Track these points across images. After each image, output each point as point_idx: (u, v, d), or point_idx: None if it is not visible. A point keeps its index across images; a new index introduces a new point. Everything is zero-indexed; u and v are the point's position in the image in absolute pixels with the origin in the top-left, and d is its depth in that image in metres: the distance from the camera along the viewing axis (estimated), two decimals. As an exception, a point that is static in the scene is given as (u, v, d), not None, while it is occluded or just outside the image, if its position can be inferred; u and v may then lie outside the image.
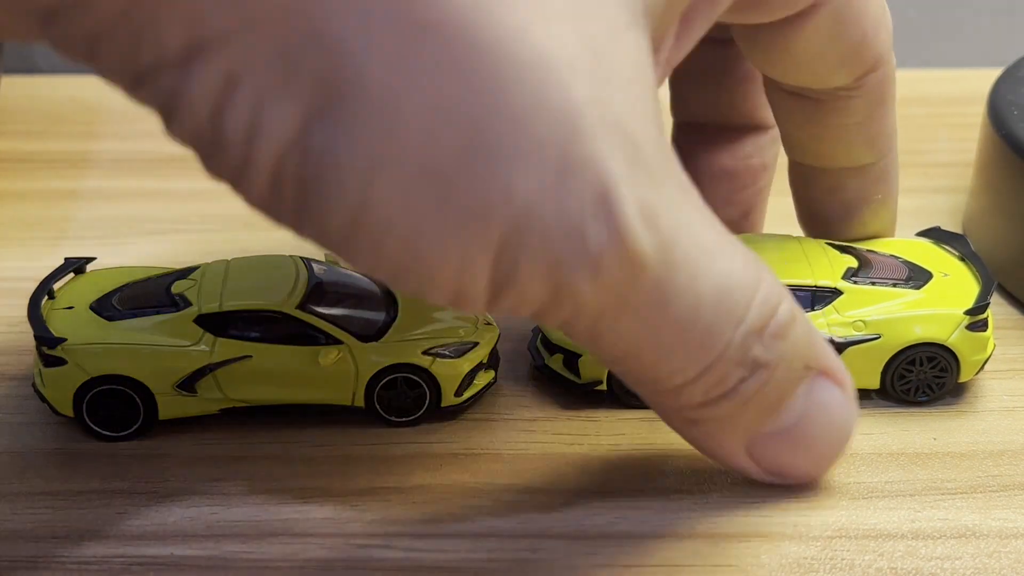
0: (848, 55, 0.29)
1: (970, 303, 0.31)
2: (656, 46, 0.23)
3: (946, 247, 0.34)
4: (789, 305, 0.25)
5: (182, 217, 0.42)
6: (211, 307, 0.30)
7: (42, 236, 0.40)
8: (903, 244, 0.34)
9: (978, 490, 0.29)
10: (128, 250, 0.39)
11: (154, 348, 0.30)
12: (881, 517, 0.28)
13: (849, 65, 0.30)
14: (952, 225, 0.41)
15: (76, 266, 0.33)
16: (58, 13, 0.19)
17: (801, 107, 0.31)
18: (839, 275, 0.31)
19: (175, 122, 0.20)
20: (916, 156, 0.45)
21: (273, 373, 0.30)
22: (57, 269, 0.33)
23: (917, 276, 0.32)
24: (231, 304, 0.30)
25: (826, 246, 0.33)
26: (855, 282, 0.31)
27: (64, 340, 0.30)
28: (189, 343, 0.30)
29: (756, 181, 0.35)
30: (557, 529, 0.28)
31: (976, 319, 0.31)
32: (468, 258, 0.20)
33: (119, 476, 0.29)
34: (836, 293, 0.31)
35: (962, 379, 0.31)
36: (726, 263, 0.23)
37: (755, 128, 0.34)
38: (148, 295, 0.31)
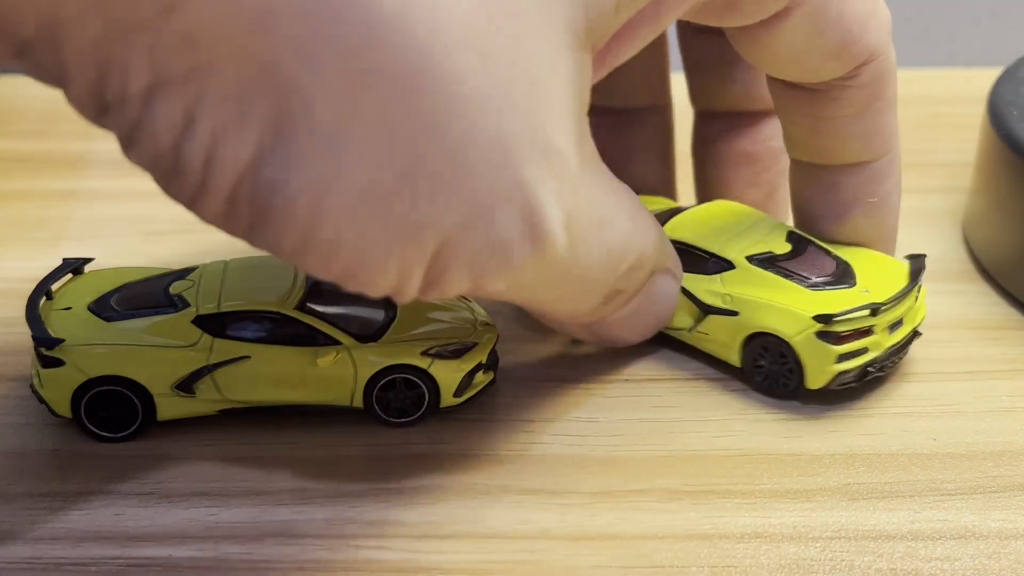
0: (834, 52, 0.29)
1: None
2: (594, 51, 0.24)
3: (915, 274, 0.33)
4: (651, 252, 0.28)
5: (180, 217, 0.41)
6: (209, 308, 0.30)
7: (40, 236, 0.40)
8: (878, 258, 0.33)
9: (978, 491, 0.29)
10: (126, 250, 0.39)
11: (152, 349, 0.30)
12: (881, 518, 0.28)
13: (838, 60, 0.30)
14: (952, 225, 0.41)
15: (74, 266, 0.33)
16: (32, 46, 0.20)
17: (797, 98, 0.31)
18: (746, 254, 0.32)
19: (135, 149, 0.22)
20: (915, 156, 0.45)
21: (271, 374, 0.30)
22: (55, 270, 0.32)
23: (834, 283, 0.32)
24: (229, 305, 0.30)
25: (782, 229, 0.33)
26: (757, 264, 0.32)
27: (62, 341, 0.30)
28: (187, 344, 0.30)
29: (777, 162, 0.36)
30: (556, 530, 0.28)
31: (827, 329, 0.30)
32: (406, 268, 0.22)
33: (117, 477, 0.29)
34: (729, 266, 0.32)
35: (809, 385, 0.31)
36: (616, 234, 0.27)
37: (772, 112, 0.35)
38: (146, 296, 0.31)
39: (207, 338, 0.30)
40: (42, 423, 0.31)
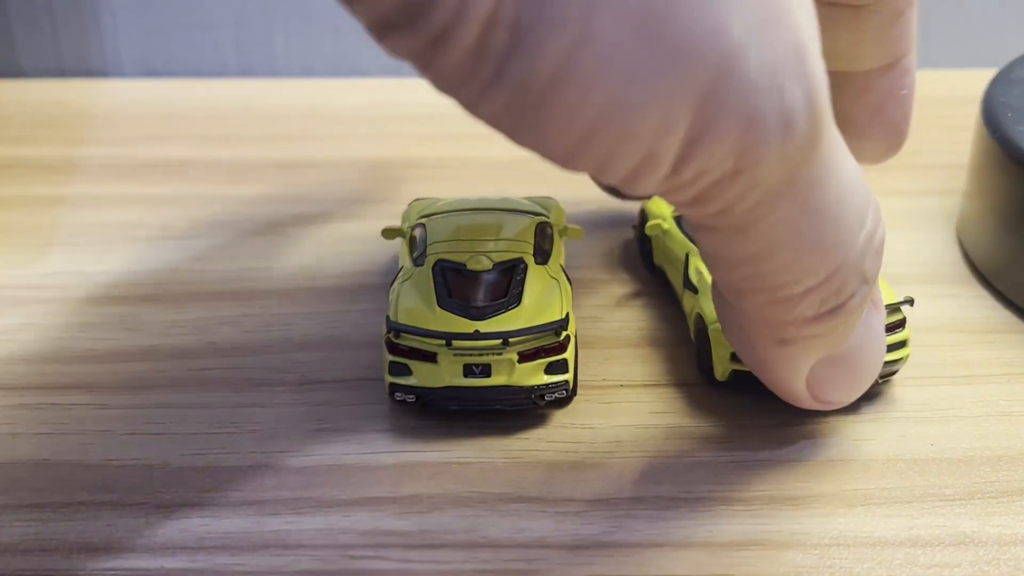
0: None
1: None
2: None
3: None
4: (877, 225, 0.25)
5: (170, 223, 0.41)
6: None
7: (28, 243, 0.40)
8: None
9: (976, 496, 0.29)
10: (115, 257, 0.39)
11: None
12: (879, 524, 0.28)
13: None
14: (946, 228, 0.40)
15: None
16: None
17: (841, 16, 0.31)
18: None
19: None
20: (909, 158, 0.45)
21: None
22: None
23: None
24: None
25: None
26: None
27: None
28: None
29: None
30: (552, 539, 0.27)
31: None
32: (671, 106, 0.20)
33: (108, 488, 0.29)
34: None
35: (715, 375, 0.31)
36: (852, 161, 0.24)
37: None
38: None
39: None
40: (31, 433, 0.31)
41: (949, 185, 0.42)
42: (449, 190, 0.42)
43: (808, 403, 0.28)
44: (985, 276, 0.37)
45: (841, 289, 0.24)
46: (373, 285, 0.37)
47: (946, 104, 0.48)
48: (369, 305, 0.36)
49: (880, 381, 0.31)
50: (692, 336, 0.33)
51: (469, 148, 0.47)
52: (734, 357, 0.31)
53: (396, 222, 0.36)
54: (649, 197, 0.38)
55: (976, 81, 0.41)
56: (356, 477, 0.29)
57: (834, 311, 0.25)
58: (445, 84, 0.20)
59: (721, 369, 0.31)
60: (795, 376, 0.27)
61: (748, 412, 0.31)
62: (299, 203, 0.43)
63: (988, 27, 0.54)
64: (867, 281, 0.25)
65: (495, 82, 0.20)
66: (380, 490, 0.29)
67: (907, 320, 0.31)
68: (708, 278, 0.33)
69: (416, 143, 0.47)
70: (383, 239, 0.35)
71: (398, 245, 0.39)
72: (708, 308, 0.32)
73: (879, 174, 0.44)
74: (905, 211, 0.42)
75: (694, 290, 0.33)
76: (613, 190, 0.38)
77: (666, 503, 0.28)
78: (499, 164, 0.46)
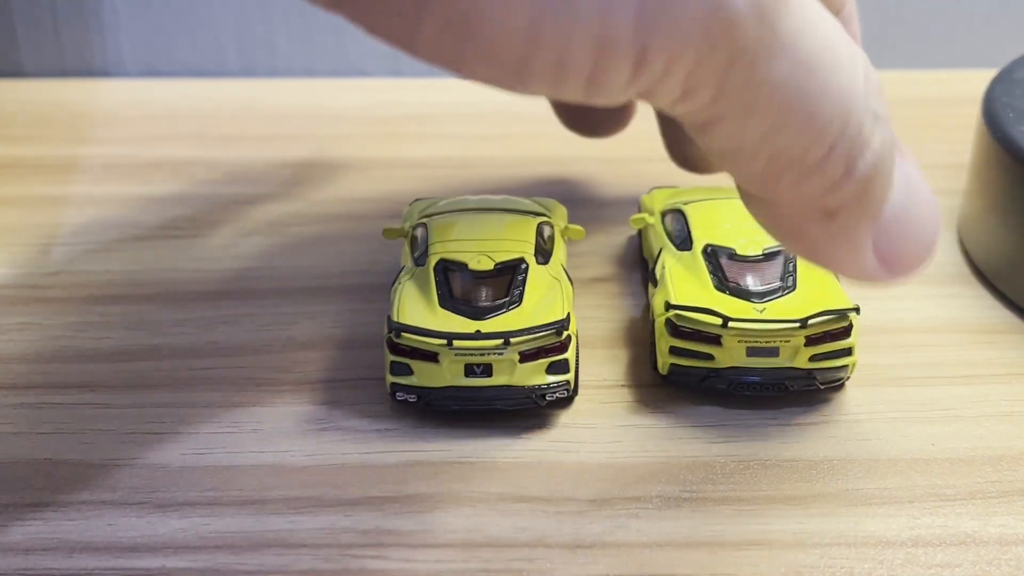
0: None
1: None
2: None
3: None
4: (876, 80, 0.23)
5: (171, 223, 0.41)
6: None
7: (29, 242, 0.40)
8: (827, 295, 0.32)
9: (977, 496, 0.29)
10: (117, 256, 0.39)
11: None
12: (880, 524, 0.28)
13: None
14: (946, 228, 0.40)
15: None
16: None
17: None
18: (706, 242, 0.33)
19: None
20: (909, 158, 0.45)
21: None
22: None
23: (746, 293, 0.32)
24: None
25: None
26: (703, 254, 0.33)
27: None
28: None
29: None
30: (554, 538, 0.27)
31: (671, 318, 0.31)
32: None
33: (109, 487, 0.29)
34: (688, 248, 0.34)
35: (658, 367, 0.32)
36: (824, 9, 0.23)
37: None
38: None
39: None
40: (32, 432, 0.31)
41: (949, 185, 0.42)
42: (450, 190, 0.43)
43: (882, 275, 0.26)
44: (986, 276, 0.37)
45: (860, 132, 0.23)
46: (374, 285, 0.37)
47: (946, 104, 0.48)
48: (370, 305, 0.36)
49: (822, 387, 0.31)
50: (648, 327, 0.33)
51: (470, 148, 0.47)
52: (674, 351, 0.31)
53: (397, 222, 0.36)
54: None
55: (976, 81, 0.41)
56: (357, 476, 0.29)
57: (864, 157, 0.23)
58: (377, 24, 0.19)
59: (662, 362, 0.31)
60: (857, 248, 0.25)
61: (747, 412, 0.31)
62: (300, 203, 0.43)
63: (988, 27, 0.54)
64: (879, 118, 0.23)
65: (424, 4, 0.19)
66: (382, 489, 0.29)
67: (854, 328, 0.31)
68: (670, 272, 0.33)
69: (417, 143, 0.47)
70: (384, 239, 0.35)
71: (399, 245, 0.39)
72: (658, 301, 0.32)
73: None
74: (906, 211, 0.42)
75: (656, 283, 0.33)
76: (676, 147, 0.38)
77: (668, 503, 0.28)
78: (500, 164, 0.46)
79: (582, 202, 0.42)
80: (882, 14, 0.53)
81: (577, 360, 0.31)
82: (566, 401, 0.31)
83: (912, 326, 0.35)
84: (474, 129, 0.49)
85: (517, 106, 0.50)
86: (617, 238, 0.40)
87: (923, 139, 0.46)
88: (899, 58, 0.54)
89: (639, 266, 0.38)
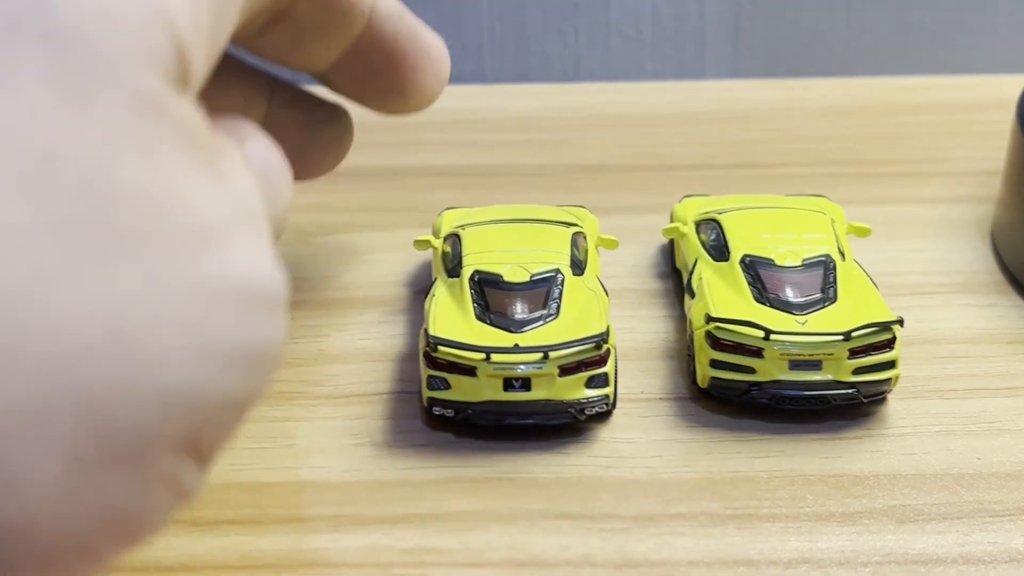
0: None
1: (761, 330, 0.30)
2: None
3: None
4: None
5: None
6: None
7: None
8: (869, 306, 0.32)
9: (1026, 512, 0.28)
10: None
11: None
12: (930, 541, 0.27)
13: None
14: (980, 236, 0.40)
15: None
16: None
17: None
18: (744, 253, 0.33)
19: None
20: (941, 165, 0.45)
21: None
22: None
23: (787, 305, 0.31)
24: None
25: (824, 246, 0.33)
26: (742, 265, 0.33)
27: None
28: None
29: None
30: (599, 557, 0.27)
31: (711, 331, 0.31)
32: None
33: (145, 504, 0.28)
34: (724, 258, 0.33)
35: (698, 380, 0.31)
36: None
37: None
38: None
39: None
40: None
41: (982, 192, 0.42)
42: (476, 199, 0.42)
43: None
44: (1022, 284, 0.37)
45: None
46: (403, 296, 0.37)
47: (978, 109, 0.48)
48: (400, 316, 0.36)
49: (865, 401, 0.31)
50: (686, 339, 0.33)
51: (494, 156, 0.47)
52: (715, 364, 0.31)
53: (424, 231, 0.36)
54: None
55: (1009, 86, 0.40)
56: (396, 493, 0.29)
57: None
58: None
59: (702, 375, 0.31)
60: None
61: (788, 425, 0.31)
62: (324, 212, 0.42)
63: (1020, 32, 0.54)
64: None
65: None
66: (421, 507, 0.28)
67: (897, 340, 0.31)
68: (708, 284, 0.32)
69: (440, 150, 0.47)
70: (410, 248, 0.35)
71: (426, 254, 0.39)
72: (697, 313, 0.32)
73: (909, 181, 0.43)
74: (938, 219, 0.41)
75: (692, 294, 0.33)
76: None
77: (713, 520, 0.28)
78: (525, 171, 0.45)
79: (609, 210, 0.41)
80: (912, 19, 0.52)
81: (616, 373, 0.31)
82: (604, 415, 0.31)
83: (949, 336, 0.35)
84: (497, 136, 0.48)
85: (540, 113, 0.50)
86: (647, 247, 0.40)
87: (955, 146, 0.46)
88: (928, 63, 0.53)
89: (671, 276, 0.38)
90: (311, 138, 0.35)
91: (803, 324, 0.30)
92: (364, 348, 0.34)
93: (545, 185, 0.44)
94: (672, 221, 0.37)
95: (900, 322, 0.30)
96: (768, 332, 0.30)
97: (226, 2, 0.21)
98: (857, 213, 0.37)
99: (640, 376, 0.33)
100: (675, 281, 0.37)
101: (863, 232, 0.36)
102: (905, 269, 0.38)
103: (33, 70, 0.16)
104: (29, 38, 0.17)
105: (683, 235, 0.36)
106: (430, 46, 0.34)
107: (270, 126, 0.30)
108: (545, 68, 0.54)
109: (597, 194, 0.43)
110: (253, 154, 0.23)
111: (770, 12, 0.53)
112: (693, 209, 0.37)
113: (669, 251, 0.39)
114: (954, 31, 0.53)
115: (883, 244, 0.38)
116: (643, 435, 0.31)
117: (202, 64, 0.20)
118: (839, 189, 0.42)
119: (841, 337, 0.30)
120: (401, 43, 0.33)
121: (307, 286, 0.38)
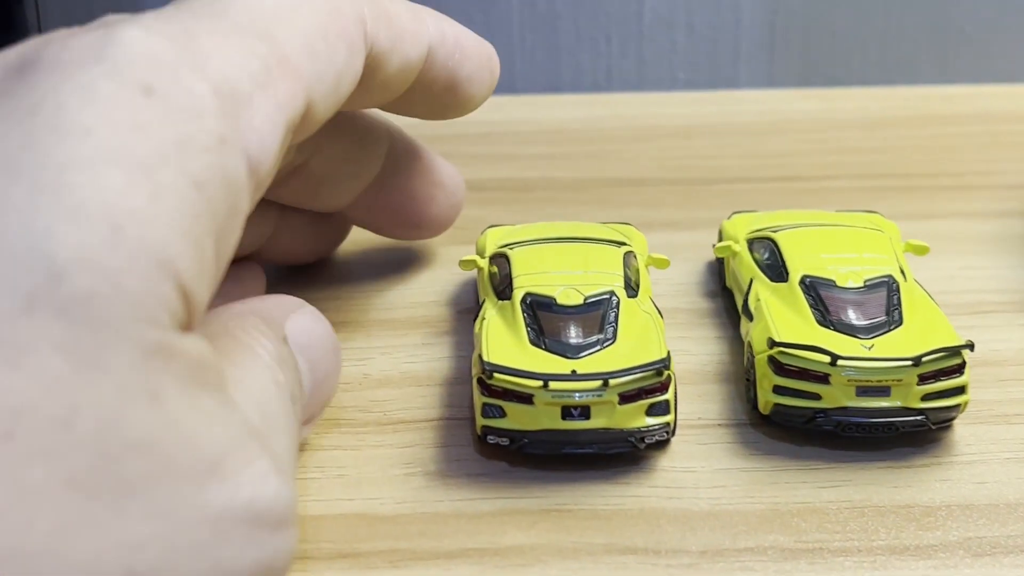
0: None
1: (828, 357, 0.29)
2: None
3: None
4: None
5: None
6: None
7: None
8: (936, 329, 0.31)
9: (1107, 544, 0.27)
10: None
11: None
12: (1009, 575, 0.26)
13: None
14: (1031, 252, 0.39)
15: None
16: None
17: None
18: (804, 274, 0.32)
19: None
20: (983, 178, 0.44)
21: None
22: None
23: (852, 329, 0.30)
24: None
25: (885, 266, 0.32)
26: (802, 286, 0.31)
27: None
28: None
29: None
30: (668, 594, 0.26)
31: (774, 355, 0.30)
32: None
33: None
34: (783, 279, 0.32)
35: (760, 407, 0.30)
36: None
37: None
38: None
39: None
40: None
41: (1022, 206, 0.41)
42: (513, 214, 0.41)
43: None
44: (1081, 303, 0.36)
45: None
46: (446, 316, 0.36)
47: (1016, 120, 0.47)
48: (444, 338, 0.35)
49: (934, 428, 0.30)
50: (744, 364, 0.32)
51: (530, 169, 0.46)
52: (778, 390, 0.30)
53: (461, 247, 0.35)
54: None
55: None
56: (452, 526, 0.28)
57: None
58: None
59: (764, 401, 0.30)
60: None
61: (851, 452, 0.30)
62: (357, 229, 0.41)
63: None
64: None
65: None
66: (479, 540, 0.27)
67: (967, 365, 0.30)
68: (767, 306, 0.31)
69: (472, 164, 0.46)
70: (450, 265, 0.34)
71: (467, 273, 0.38)
72: (757, 336, 0.31)
73: (957, 195, 0.43)
74: (989, 234, 0.40)
75: (750, 317, 0.32)
76: None
77: (782, 554, 0.27)
78: (560, 186, 0.45)
79: (652, 226, 0.40)
80: (951, 26, 0.52)
81: (676, 400, 0.30)
82: (663, 443, 0.30)
83: (1011, 358, 0.34)
84: (530, 149, 0.47)
85: (573, 124, 0.49)
86: (693, 265, 0.39)
87: (1001, 158, 0.45)
88: (969, 72, 0.52)
89: (720, 295, 0.37)
90: (316, 230, 0.38)
91: (870, 349, 0.30)
92: (410, 372, 0.33)
93: (583, 200, 0.43)
94: (722, 239, 0.36)
95: (971, 346, 0.29)
96: (835, 357, 0.29)
97: (229, 222, 0.22)
98: (905, 228, 0.37)
99: (697, 401, 0.32)
100: (725, 300, 0.37)
101: (921, 250, 0.35)
102: (959, 288, 0.37)
103: (48, 344, 0.18)
104: (45, 314, 0.18)
105: (735, 254, 0.35)
106: (444, 178, 0.36)
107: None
108: (576, 78, 0.53)
109: (637, 209, 0.43)
110: (295, 329, 0.26)
111: (805, 20, 0.52)
112: (744, 226, 0.36)
113: (717, 269, 0.38)
114: (994, 38, 0.52)
115: (935, 261, 0.37)
116: (704, 464, 0.30)
117: (207, 292, 0.22)
118: (884, 203, 0.41)
119: (911, 362, 0.29)
120: (416, 181, 0.35)
121: (347, 306, 0.37)
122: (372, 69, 0.28)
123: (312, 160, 0.27)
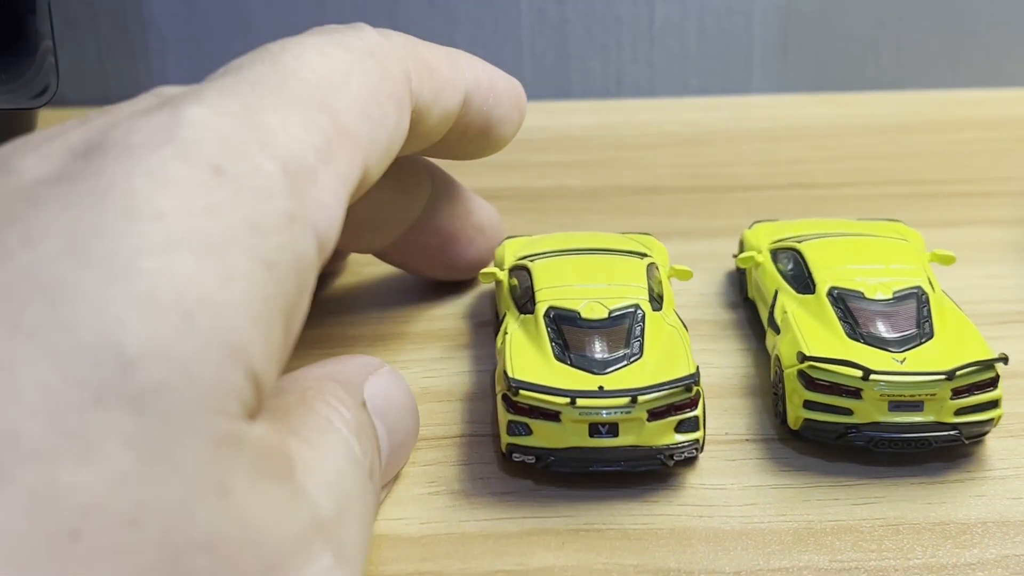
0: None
1: (859, 370, 0.28)
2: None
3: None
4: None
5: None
6: None
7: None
8: (969, 342, 0.30)
9: None
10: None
11: None
12: (1051, 595, 0.26)
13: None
14: (1056, 259, 0.39)
15: None
16: None
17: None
18: (831, 285, 0.31)
19: None
20: (1005, 183, 0.43)
21: None
22: None
23: (883, 342, 0.30)
24: None
25: (914, 278, 0.32)
26: (830, 297, 0.31)
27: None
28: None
29: None
30: (703, 617, 0.25)
31: (804, 370, 0.29)
32: None
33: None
34: (809, 291, 0.32)
35: (789, 422, 0.30)
36: None
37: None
38: None
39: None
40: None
41: (1054, 213, 0.40)
42: (528, 224, 0.41)
43: None
44: (1108, 312, 0.36)
45: None
46: (464, 329, 0.35)
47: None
48: (463, 352, 0.34)
49: (967, 442, 0.29)
50: (771, 378, 0.31)
51: (541, 178, 0.45)
52: (808, 405, 0.29)
53: None
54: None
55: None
56: (479, 547, 0.27)
57: None
58: None
59: (794, 416, 0.30)
60: None
61: (883, 468, 0.29)
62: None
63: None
64: None
65: None
66: (507, 562, 0.27)
67: (1000, 378, 0.29)
68: (792, 317, 0.31)
69: (485, 173, 0.45)
70: (477, 282, 0.33)
71: (485, 285, 0.37)
72: (786, 350, 0.30)
73: (976, 201, 0.42)
74: (1007, 242, 0.40)
75: (777, 329, 0.31)
76: None
77: (818, 573, 0.26)
78: (575, 194, 0.44)
79: (669, 235, 0.40)
80: (964, 31, 0.51)
81: (704, 415, 0.29)
82: (692, 459, 0.30)
83: (1034, 370, 0.33)
84: (542, 157, 0.47)
85: (584, 131, 0.48)
86: (713, 275, 0.38)
87: (1009, 164, 0.44)
88: (983, 76, 0.52)
89: (742, 306, 0.36)
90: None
91: (902, 363, 0.29)
92: (429, 387, 0.33)
93: (598, 208, 0.43)
94: (743, 249, 0.36)
95: (1005, 359, 0.29)
96: (867, 372, 0.28)
97: (298, 300, 0.22)
98: (925, 236, 0.36)
99: (724, 416, 0.31)
100: (747, 311, 0.36)
101: (947, 260, 0.34)
102: (984, 297, 0.36)
103: (118, 438, 0.18)
104: (114, 407, 0.18)
105: (758, 264, 0.34)
106: (483, 221, 0.36)
107: None
108: (587, 83, 0.53)
109: (653, 218, 0.42)
110: (374, 392, 0.26)
111: (818, 25, 0.51)
112: (766, 236, 0.35)
113: (738, 279, 0.37)
114: (1007, 42, 0.52)
115: (957, 270, 0.36)
116: (734, 481, 0.29)
117: (276, 374, 0.21)
118: (903, 210, 0.40)
119: (944, 376, 0.28)
120: (457, 224, 0.35)
121: (363, 320, 0.36)
122: (415, 123, 0.27)
123: (356, 206, 0.27)
